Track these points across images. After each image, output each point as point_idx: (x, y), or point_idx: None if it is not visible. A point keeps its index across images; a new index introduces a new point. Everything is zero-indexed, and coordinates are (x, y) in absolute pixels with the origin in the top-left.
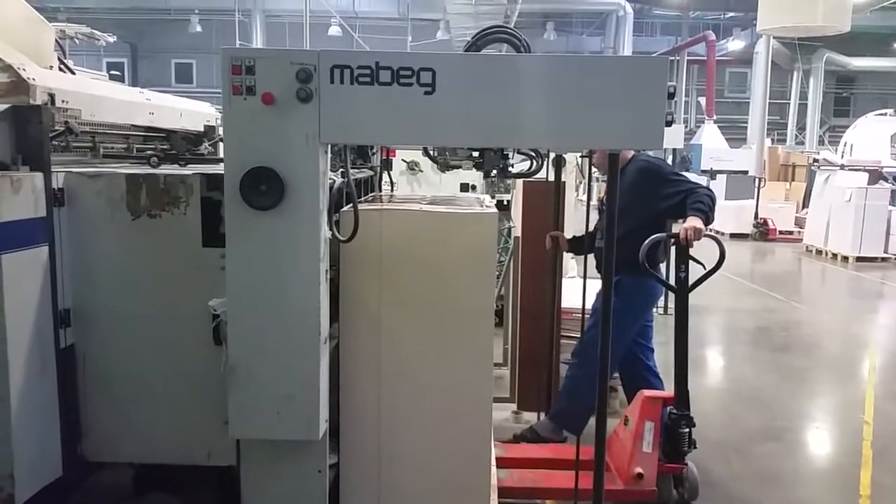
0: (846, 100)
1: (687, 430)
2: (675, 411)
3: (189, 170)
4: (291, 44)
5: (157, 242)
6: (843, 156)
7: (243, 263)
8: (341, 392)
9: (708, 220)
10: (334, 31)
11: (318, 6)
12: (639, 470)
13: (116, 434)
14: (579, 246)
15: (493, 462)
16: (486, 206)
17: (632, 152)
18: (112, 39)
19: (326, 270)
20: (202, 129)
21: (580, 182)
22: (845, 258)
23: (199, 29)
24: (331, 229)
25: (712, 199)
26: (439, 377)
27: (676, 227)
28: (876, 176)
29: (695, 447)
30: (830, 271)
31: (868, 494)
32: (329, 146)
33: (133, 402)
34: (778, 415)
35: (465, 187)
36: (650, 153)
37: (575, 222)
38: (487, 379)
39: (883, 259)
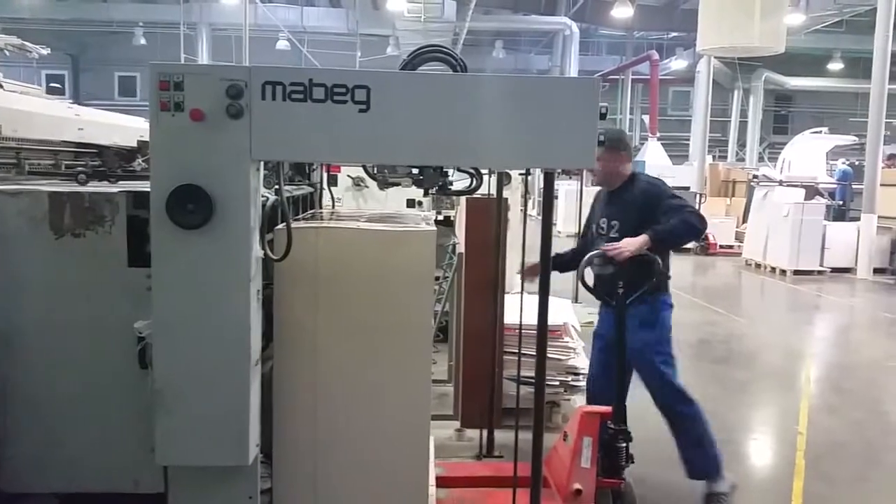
0: (785, 117)
1: (624, 444)
2: (612, 426)
3: (118, 187)
4: (238, 58)
5: (82, 262)
6: (781, 172)
7: (170, 284)
8: (275, 414)
9: (660, 241)
10: (282, 45)
11: (265, 20)
12: (577, 486)
13: (38, 463)
14: (562, 264)
15: (433, 482)
16: (426, 224)
17: (629, 170)
18: (45, 52)
19: (258, 290)
20: (136, 144)
21: (528, 198)
22: (783, 271)
23: (143, 42)
24: (263, 248)
25: (687, 225)
26: (376, 397)
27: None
28: (812, 192)
29: (632, 462)
30: (769, 284)
31: None
32: (262, 163)
33: (56, 429)
34: (717, 426)
35: (411, 203)
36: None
37: (519, 237)
38: (425, 398)
39: (819, 272)
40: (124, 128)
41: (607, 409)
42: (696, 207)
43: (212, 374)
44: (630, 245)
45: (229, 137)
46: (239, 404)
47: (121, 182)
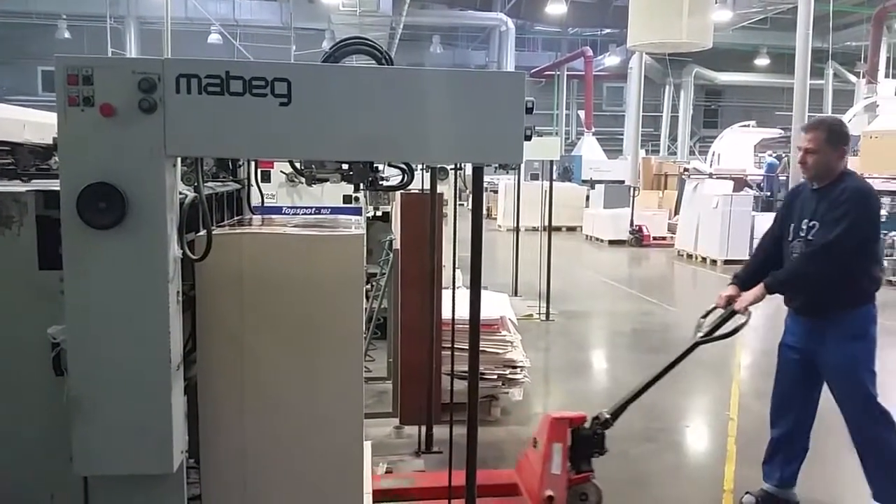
0: (714, 112)
1: (602, 433)
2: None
3: (29, 186)
4: (167, 52)
5: None
6: (711, 165)
7: (83, 286)
8: (201, 420)
9: (779, 287)
10: (214, 38)
11: (196, 13)
12: (549, 493)
13: None
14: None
15: (369, 493)
16: (356, 228)
17: (842, 167)
18: None
19: (178, 292)
20: (52, 141)
21: (467, 193)
22: (713, 261)
23: (67, 35)
24: (182, 247)
25: (809, 264)
26: (307, 405)
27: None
28: (741, 183)
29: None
30: (700, 274)
31: (731, 489)
32: (178, 159)
33: None
34: (654, 415)
35: (347, 199)
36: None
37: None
38: (357, 407)
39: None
40: (39, 124)
41: (578, 414)
42: (839, 246)
43: (131, 378)
44: (747, 297)
45: (142, 133)
46: (161, 409)
47: (34, 181)
